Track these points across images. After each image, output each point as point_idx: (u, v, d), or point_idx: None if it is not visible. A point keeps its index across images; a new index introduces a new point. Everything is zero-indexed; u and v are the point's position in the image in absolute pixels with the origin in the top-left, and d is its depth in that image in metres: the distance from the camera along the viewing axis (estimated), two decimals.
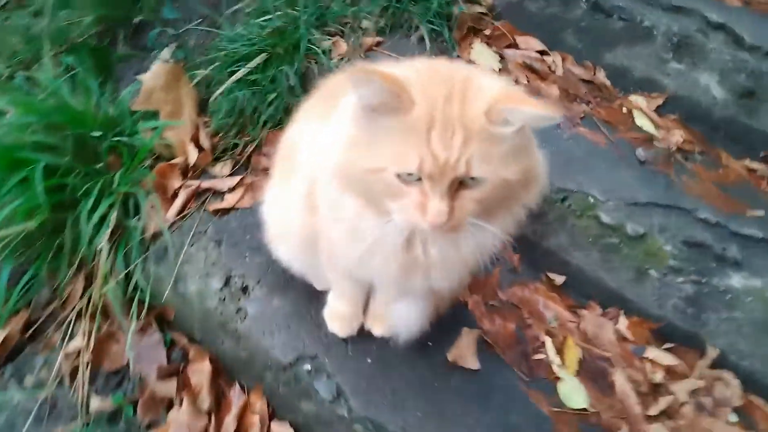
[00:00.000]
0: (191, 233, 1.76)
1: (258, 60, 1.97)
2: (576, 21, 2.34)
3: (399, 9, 2.20)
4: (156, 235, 1.75)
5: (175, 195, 1.84)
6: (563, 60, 2.37)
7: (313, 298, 1.67)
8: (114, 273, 1.66)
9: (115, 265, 1.67)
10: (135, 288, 1.69)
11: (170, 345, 1.72)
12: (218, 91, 2.01)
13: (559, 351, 1.77)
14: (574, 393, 1.67)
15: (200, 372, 1.67)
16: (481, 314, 1.81)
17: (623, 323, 1.86)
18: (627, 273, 1.85)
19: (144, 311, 1.68)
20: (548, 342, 1.78)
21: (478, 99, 0.95)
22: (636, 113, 2.26)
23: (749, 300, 1.75)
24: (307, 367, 1.52)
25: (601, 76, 2.34)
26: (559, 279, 1.94)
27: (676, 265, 1.78)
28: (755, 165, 2.18)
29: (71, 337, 1.71)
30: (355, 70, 0.92)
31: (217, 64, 2.03)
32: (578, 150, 1.99)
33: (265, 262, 1.72)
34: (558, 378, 1.69)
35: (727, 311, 1.77)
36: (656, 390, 1.74)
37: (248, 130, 2.00)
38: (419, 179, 0.96)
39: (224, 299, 1.63)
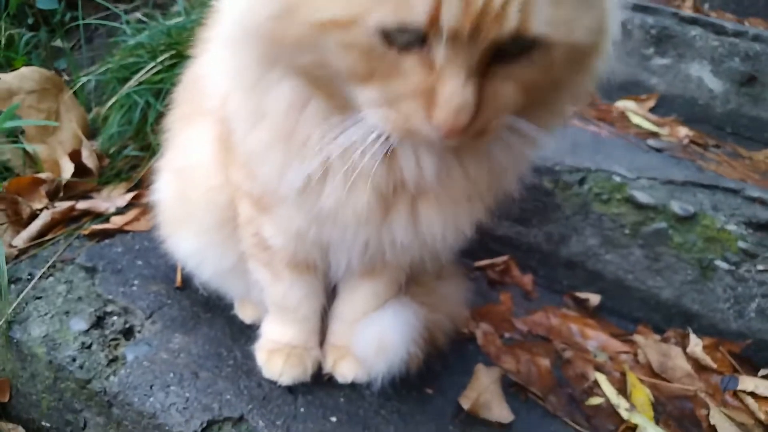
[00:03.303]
0: (50, 262, 1.15)
1: (164, 57, 1.53)
2: None
3: None
4: None
5: (35, 218, 1.26)
6: None
7: (239, 333, 1.06)
8: None
9: None
10: None
11: None
12: (112, 100, 1.53)
13: (621, 391, 1.18)
14: None
15: None
16: (498, 350, 1.23)
17: (696, 346, 1.30)
18: (685, 272, 1.33)
19: None
20: (602, 380, 1.20)
21: None
22: (630, 114, 1.91)
23: None
24: None
25: None
26: (593, 299, 1.40)
27: (749, 248, 1.29)
28: None
29: None
30: None
31: (110, 66, 1.57)
32: (583, 137, 1.57)
33: (165, 291, 1.12)
34: (633, 427, 1.09)
35: None
36: None
37: (151, 141, 1.49)
38: (423, 40, 0.50)
39: (90, 345, 0.99)
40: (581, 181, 1.37)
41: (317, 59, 0.55)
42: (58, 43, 1.95)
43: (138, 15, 1.96)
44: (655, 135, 1.80)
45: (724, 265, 1.30)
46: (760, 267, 1.28)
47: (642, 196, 1.33)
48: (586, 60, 0.60)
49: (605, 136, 1.65)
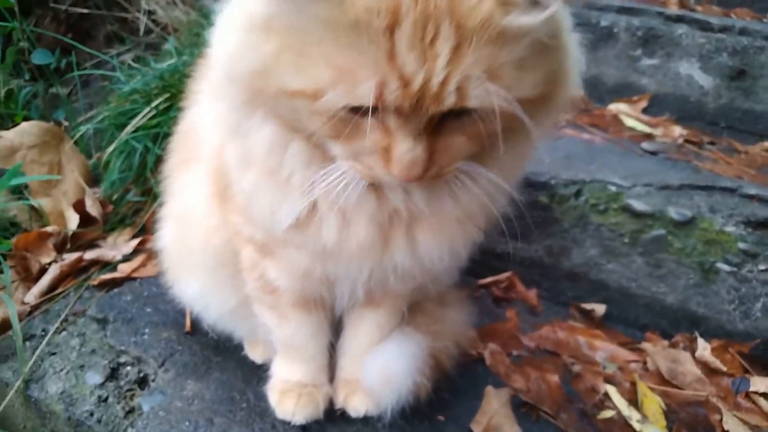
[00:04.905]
0: (62, 317, 1.18)
1: (159, 101, 1.56)
2: None
3: None
4: (5, 327, 1.16)
5: (44, 272, 1.29)
6: None
7: (250, 374, 1.08)
8: None
9: None
10: None
11: None
12: (111, 147, 1.56)
13: (632, 402, 1.19)
14: None
15: None
16: (507, 369, 1.24)
17: (704, 350, 1.31)
18: (687, 276, 1.34)
19: None
20: (612, 392, 1.21)
21: None
22: (623, 117, 1.92)
23: None
24: None
25: None
26: (598, 309, 1.41)
27: (749, 248, 1.29)
28: None
29: None
30: None
31: (107, 114, 1.60)
32: (576, 147, 1.59)
33: (175, 337, 1.15)
34: None
35: None
36: None
37: (152, 185, 1.52)
38: (377, 110, 0.56)
39: (106, 399, 1.01)
40: (577, 194, 1.39)
41: (291, 114, 0.62)
42: (54, 89, 1.99)
43: (129, 61, 2.00)
44: (649, 137, 1.81)
45: (725, 267, 1.31)
46: (761, 266, 1.29)
47: (638, 204, 1.34)
48: (539, 106, 0.62)
49: (599, 143, 1.66)
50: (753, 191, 1.38)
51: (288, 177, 0.69)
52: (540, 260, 1.45)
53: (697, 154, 1.72)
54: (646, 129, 1.87)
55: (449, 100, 0.54)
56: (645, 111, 2.00)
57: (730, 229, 1.31)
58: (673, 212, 1.33)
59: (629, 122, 1.89)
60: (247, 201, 0.76)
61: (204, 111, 0.90)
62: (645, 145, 1.71)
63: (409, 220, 0.73)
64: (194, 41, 1.91)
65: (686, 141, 1.80)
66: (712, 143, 1.83)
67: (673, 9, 2.29)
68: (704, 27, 1.98)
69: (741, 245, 1.30)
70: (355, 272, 0.79)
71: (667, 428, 1.14)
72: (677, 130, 1.86)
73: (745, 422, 1.15)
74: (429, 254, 0.75)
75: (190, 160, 0.96)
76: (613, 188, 1.37)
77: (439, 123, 0.59)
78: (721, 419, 1.15)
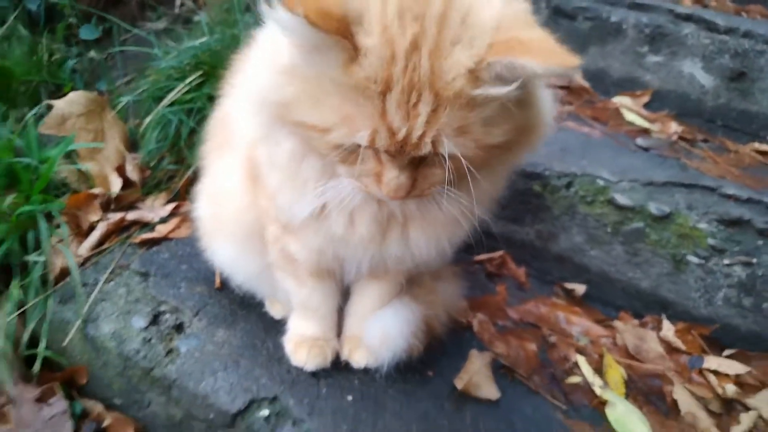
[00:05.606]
0: (110, 269, 1.37)
1: (193, 77, 1.71)
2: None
3: None
4: (64, 274, 1.35)
5: (93, 229, 1.47)
6: None
7: (270, 327, 1.27)
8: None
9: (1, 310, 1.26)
10: (33, 343, 1.26)
11: (81, 416, 1.25)
12: (148, 119, 1.72)
13: (598, 371, 1.36)
14: (629, 418, 1.25)
15: None
16: (492, 336, 1.41)
17: (669, 330, 1.48)
18: (661, 265, 1.50)
19: (38, 371, 1.23)
20: (581, 361, 1.38)
21: (461, 43, 0.68)
22: (624, 111, 2.04)
23: None
24: (265, 412, 1.08)
25: (579, 79, 2.15)
26: (579, 289, 1.58)
27: (717, 244, 1.44)
28: (765, 147, 1.94)
29: None
30: None
31: (145, 88, 1.76)
32: (573, 140, 1.72)
33: (207, 291, 1.33)
34: (604, 402, 1.28)
35: None
36: (731, 407, 1.33)
37: (185, 155, 1.69)
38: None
39: (150, 340, 1.21)
40: (568, 185, 1.53)
41: (307, 141, 0.79)
42: (92, 54, 2.15)
43: (161, 33, 2.14)
44: (646, 132, 1.93)
45: (695, 260, 1.46)
46: (726, 261, 1.44)
47: (622, 199, 1.49)
48: (511, 149, 0.77)
49: (596, 137, 1.80)
50: (731, 191, 1.52)
51: (304, 182, 0.87)
52: (531, 242, 1.61)
53: (688, 151, 1.84)
54: (645, 124, 1.98)
55: (426, 149, 0.71)
56: (647, 106, 2.11)
57: (702, 225, 1.46)
58: (652, 207, 1.48)
59: (629, 116, 2.01)
60: (273, 193, 0.93)
61: (238, 105, 1.06)
62: (639, 140, 1.84)
63: (403, 220, 0.91)
64: (224, 18, 2.04)
65: (680, 138, 1.92)
66: (705, 141, 1.95)
67: (687, 4, 2.37)
68: (710, 27, 2.07)
69: (710, 241, 1.45)
70: (360, 257, 0.97)
71: (625, 395, 1.32)
72: (674, 126, 1.98)
73: (693, 394, 1.33)
74: (418, 248, 0.94)
75: (224, 146, 1.12)
76: (601, 182, 1.52)
77: (420, 159, 0.75)
78: (672, 390, 1.32)
